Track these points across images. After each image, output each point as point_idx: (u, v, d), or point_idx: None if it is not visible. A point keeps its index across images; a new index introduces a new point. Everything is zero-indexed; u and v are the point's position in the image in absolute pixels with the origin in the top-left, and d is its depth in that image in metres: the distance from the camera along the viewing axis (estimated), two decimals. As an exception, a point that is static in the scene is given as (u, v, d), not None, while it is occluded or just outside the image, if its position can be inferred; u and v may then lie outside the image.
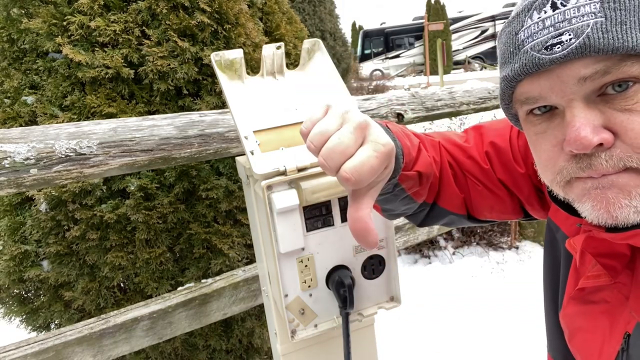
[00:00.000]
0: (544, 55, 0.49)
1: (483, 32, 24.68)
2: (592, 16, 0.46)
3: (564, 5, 0.48)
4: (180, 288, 1.43)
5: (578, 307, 0.63)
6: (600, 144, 0.48)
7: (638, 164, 0.48)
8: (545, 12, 0.49)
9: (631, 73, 0.46)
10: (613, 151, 0.48)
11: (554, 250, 0.74)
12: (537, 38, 0.50)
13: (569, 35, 0.47)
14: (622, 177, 0.49)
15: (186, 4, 1.49)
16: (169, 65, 1.46)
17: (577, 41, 0.46)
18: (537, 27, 0.50)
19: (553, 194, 0.60)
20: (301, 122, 0.92)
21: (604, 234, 0.52)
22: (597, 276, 0.58)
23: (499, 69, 0.59)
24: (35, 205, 1.45)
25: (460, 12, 26.78)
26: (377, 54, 26.27)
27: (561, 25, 0.48)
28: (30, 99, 1.45)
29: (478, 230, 3.50)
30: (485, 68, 22.46)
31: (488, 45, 24.38)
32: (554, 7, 0.48)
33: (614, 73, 0.47)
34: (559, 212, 0.71)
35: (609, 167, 0.49)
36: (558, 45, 0.48)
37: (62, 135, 1.00)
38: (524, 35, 0.51)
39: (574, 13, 0.47)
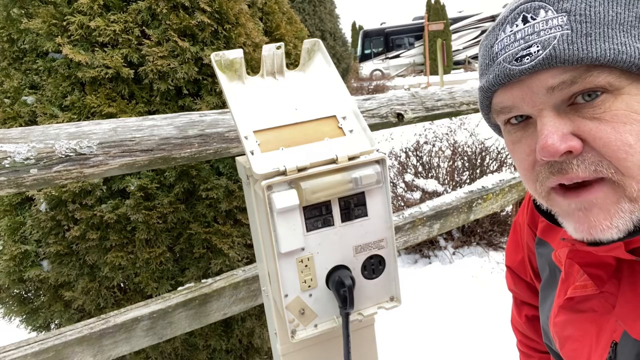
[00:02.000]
0: (514, 67, 0.51)
1: (483, 32, 24.66)
2: (559, 29, 0.48)
3: (534, 19, 0.50)
4: (180, 288, 1.43)
5: (567, 316, 0.64)
6: (570, 151, 0.50)
7: (608, 169, 0.49)
8: (517, 26, 0.52)
9: (597, 83, 0.48)
10: (584, 156, 0.50)
11: (544, 263, 0.77)
12: (509, 50, 0.52)
13: (537, 47, 0.49)
14: (598, 193, 0.50)
15: (186, 4, 1.49)
16: (169, 65, 1.46)
17: (544, 52, 0.48)
18: (509, 40, 0.52)
19: (540, 207, 0.62)
20: (301, 122, 0.92)
21: (587, 248, 0.54)
22: (584, 286, 0.59)
23: (479, 80, 0.62)
24: (35, 205, 1.45)
25: (460, 12, 26.78)
26: (377, 54, 26.27)
27: (530, 37, 0.50)
28: (30, 99, 1.45)
29: (478, 230, 3.51)
30: (485, 68, 22.42)
31: (488, 45, 24.33)
32: (525, 20, 0.51)
33: (580, 83, 0.48)
34: (547, 231, 0.75)
35: (580, 172, 0.50)
36: (527, 57, 0.50)
37: (62, 135, 1.00)
38: (497, 48, 0.54)
39: (542, 26, 0.49)
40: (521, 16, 0.52)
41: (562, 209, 0.55)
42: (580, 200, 0.52)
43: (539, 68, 0.49)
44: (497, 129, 0.67)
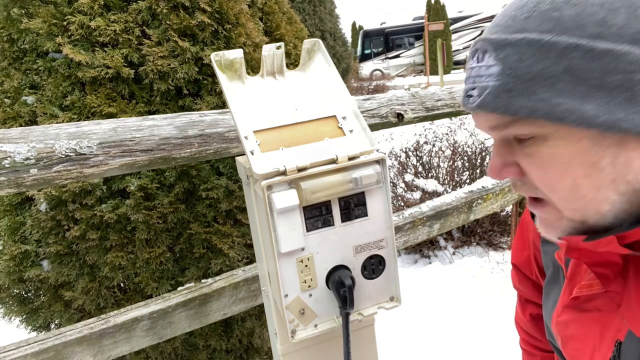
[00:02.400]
0: (466, 102, 0.56)
1: (483, 32, 24.63)
2: (492, 78, 0.51)
3: (480, 61, 0.53)
4: (180, 288, 1.43)
5: (571, 315, 0.64)
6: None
7: (545, 196, 0.55)
8: (472, 63, 0.55)
9: (520, 132, 0.52)
10: (524, 180, 0.57)
11: (549, 261, 0.78)
12: (465, 84, 0.57)
13: (477, 91, 0.53)
14: (544, 214, 0.57)
15: (186, 4, 1.49)
16: (169, 65, 1.46)
17: (479, 100, 0.53)
18: (467, 74, 0.57)
19: None
20: (301, 122, 0.92)
21: (582, 244, 0.55)
22: (591, 285, 0.59)
23: None
24: (35, 205, 1.45)
25: (460, 12, 26.77)
26: (377, 54, 26.26)
27: (475, 80, 0.54)
28: (30, 99, 1.45)
29: (478, 230, 3.51)
30: (485, 68, 22.42)
31: (488, 45, 24.31)
32: (477, 59, 0.54)
33: (508, 130, 0.53)
34: None
35: (524, 192, 0.58)
36: (471, 97, 0.54)
37: (62, 135, 1.00)
38: (465, 76, 0.59)
39: (483, 71, 0.52)
40: (476, 54, 0.55)
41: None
42: (536, 211, 0.59)
43: (477, 110, 0.54)
44: None
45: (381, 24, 27.80)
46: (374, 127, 1.62)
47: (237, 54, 0.95)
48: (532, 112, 0.49)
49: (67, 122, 1.40)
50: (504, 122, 0.53)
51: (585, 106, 0.46)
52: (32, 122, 1.45)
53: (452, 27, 25.12)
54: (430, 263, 3.29)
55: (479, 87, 0.53)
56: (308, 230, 0.86)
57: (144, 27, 1.47)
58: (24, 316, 1.60)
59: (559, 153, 0.51)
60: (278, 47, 0.96)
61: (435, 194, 3.44)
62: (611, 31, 0.45)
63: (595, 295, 0.60)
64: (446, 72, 19.40)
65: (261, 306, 1.66)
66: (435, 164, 3.83)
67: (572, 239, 0.56)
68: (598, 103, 0.46)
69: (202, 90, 1.57)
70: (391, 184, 3.75)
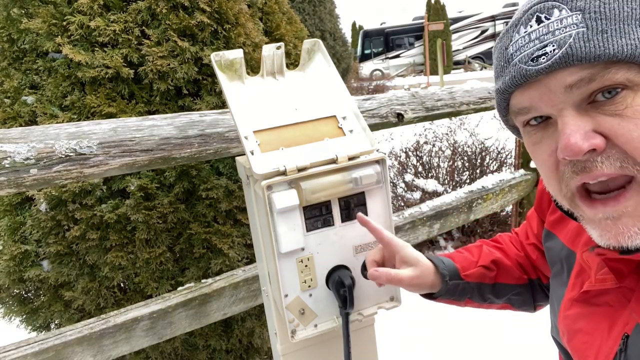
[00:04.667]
0: (530, 67, 0.51)
1: (483, 32, 24.66)
2: (574, 27, 0.48)
3: (548, 19, 0.50)
4: (180, 288, 1.43)
5: (581, 309, 0.64)
6: (593, 149, 0.50)
7: (634, 166, 0.49)
8: (531, 27, 0.52)
9: (616, 79, 0.48)
10: (608, 153, 0.50)
11: (553, 256, 0.78)
12: (524, 51, 0.52)
13: (553, 46, 0.49)
14: (631, 200, 0.50)
15: (186, 4, 1.49)
16: (169, 65, 1.46)
17: (560, 51, 0.48)
18: (524, 41, 0.52)
19: (557, 203, 0.62)
20: (301, 122, 0.92)
21: (618, 256, 0.54)
22: (604, 280, 0.59)
23: (494, 83, 0.62)
24: (35, 205, 1.45)
25: (460, 12, 26.75)
26: (377, 54, 26.25)
27: (545, 37, 0.50)
28: (30, 99, 1.45)
29: (478, 230, 3.50)
30: (485, 68, 22.44)
31: (488, 45, 24.34)
32: (539, 21, 0.51)
33: (599, 80, 0.48)
34: (557, 223, 0.75)
35: (605, 168, 0.50)
36: (543, 57, 0.50)
37: (62, 135, 1.00)
38: (512, 49, 0.54)
39: (557, 25, 0.49)
40: (535, 17, 0.52)
41: (587, 216, 0.55)
42: (607, 210, 0.52)
43: (556, 67, 0.49)
44: (515, 130, 0.67)
45: (381, 24, 27.80)
46: (374, 127, 1.62)
47: (237, 54, 0.95)
48: (634, 51, 0.46)
49: (67, 122, 1.40)
50: (593, 73, 0.48)
51: None
52: (32, 122, 1.45)
53: (452, 27, 25.10)
54: (430, 263, 3.29)
55: (555, 41, 0.49)
56: (308, 230, 0.86)
57: (144, 27, 1.47)
58: (24, 316, 1.60)
59: None
60: (278, 47, 0.96)
61: (435, 194, 3.44)
62: None
63: (606, 290, 0.59)
64: (446, 72, 19.40)
65: (261, 306, 1.66)
66: (435, 164, 3.82)
67: (609, 253, 0.54)
68: None
69: (202, 90, 1.57)
70: (391, 184, 3.75)
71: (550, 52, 0.49)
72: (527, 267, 0.93)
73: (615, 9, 0.47)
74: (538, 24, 0.51)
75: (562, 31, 0.49)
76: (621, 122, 0.48)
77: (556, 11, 0.50)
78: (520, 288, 0.92)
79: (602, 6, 0.47)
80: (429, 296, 0.88)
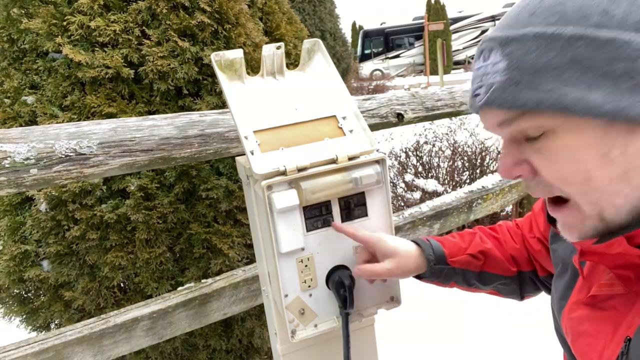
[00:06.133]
0: (473, 101, 0.57)
1: (483, 32, 24.63)
2: (499, 75, 0.52)
3: (485, 60, 0.54)
4: (180, 288, 1.43)
5: (586, 312, 0.64)
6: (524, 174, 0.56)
7: (561, 192, 0.54)
8: (478, 63, 0.56)
9: (528, 126, 0.52)
10: (538, 179, 0.55)
11: (557, 257, 0.78)
12: (472, 84, 0.57)
13: (484, 89, 0.54)
14: (567, 218, 0.56)
15: (186, 4, 1.49)
16: (169, 65, 1.46)
17: (486, 96, 0.53)
18: (474, 74, 0.57)
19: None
20: (301, 122, 0.92)
21: (593, 247, 0.56)
22: (611, 285, 0.59)
23: None
24: (35, 205, 1.45)
25: (460, 12, 26.75)
26: (377, 54, 26.25)
27: (481, 78, 0.54)
28: (30, 99, 1.45)
29: (478, 230, 3.50)
30: (485, 68, 22.39)
31: (488, 45, 24.28)
32: (483, 59, 0.55)
33: (515, 125, 0.53)
34: None
35: (539, 192, 0.57)
36: (478, 96, 0.55)
37: (62, 135, 1.00)
38: (472, 77, 0.59)
39: (490, 69, 0.53)
40: (482, 54, 0.55)
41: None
42: (557, 216, 0.58)
43: (484, 107, 0.54)
44: None
45: (381, 24, 27.80)
46: (374, 127, 1.62)
47: (237, 54, 0.95)
48: (539, 104, 0.49)
49: (67, 122, 1.40)
50: (511, 117, 0.53)
51: (591, 95, 0.46)
52: (32, 122, 1.45)
53: (452, 27, 25.11)
54: (430, 263, 3.29)
55: (486, 85, 0.53)
56: (308, 230, 0.86)
57: (144, 27, 1.47)
58: (24, 316, 1.60)
59: (569, 145, 0.50)
60: (278, 47, 0.96)
61: (435, 194, 3.44)
62: (614, 20, 0.45)
63: (613, 295, 0.60)
64: (446, 72, 19.39)
65: (261, 306, 1.66)
66: (435, 164, 3.83)
67: (584, 243, 0.56)
68: (603, 92, 0.46)
69: (202, 90, 1.57)
70: (391, 184, 3.75)
71: (481, 93, 0.54)
72: (521, 259, 0.94)
73: (532, 60, 0.49)
74: (483, 62, 0.55)
75: (491, 77, 0.53)
76: (540, 158, 0.53)
77: (492, 54, 0.53)
78: (507, 279, 0.94)
79: (523, 55, 0.50)
80: (416, 276, 0.92)
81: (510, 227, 1.00)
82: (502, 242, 0.96)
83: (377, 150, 0.90)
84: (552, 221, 0.66)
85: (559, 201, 0.57)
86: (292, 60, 1.84)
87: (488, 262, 0.92)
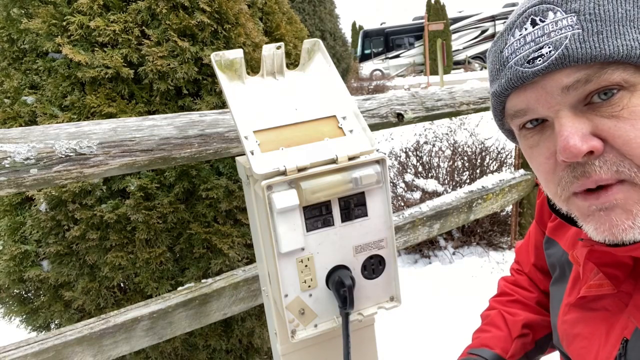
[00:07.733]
0: (526, 69, 0.51)
1: (483, 32, 24.65)
2: (569, 29, 0.48)
3: (543, 22, 0.51)
4: (180, 288, 1.43)
5: (578, 314, 0.64)
6: (592, 152, 0.49)
7: (630, 170, 0.49)
8: (526, 29, 0.52)
9: (612, 80, 0.48)
10: (606, 156, 0.50)
11: (554, 263, 0.78)
12: (520, 53, 0.52)
13: (549, 47, 0.49)
14: (620, 194, 0.50)
15: (186, 4, 1.49)
16: (169, 65, 1.46)
17: (557, 52, 0.49)
18: (519, 44, 0.53)
19: (555, 207, 0.62)
20: (301, 122, 0.92)
21: (606, 248, 0.54)
22: (600, 285, 0.59)
23: (489, 86, 0.62)
24: (35, 205, 1.45)
25: (460, 12, 26.74)
26: (377, 54, 26.25)
27: (541, 39, 0.50)
28: (30, 99, 1.45)
29: (478, 231, 3.50)
30: (485, 68, 22.44)
31: (488, 45, 24.27)
32: (534, 23, 0.51)
33: (595, 81, 0.48)
34: (556, 230, 0.75)
35: (602, 173, 0.50)
36: (539, 58, 0.50)
37: (62, 135, 1.00)
38: (507, 52, 0.54)
39: (552, 27, 0.50)
40: (530, 19, 0.52)
41: (582, 211, 0.54)
42: (600, 202, 0.51)
43: (552, 68, 0.49)
44: (510, 134, 0.67)
45: (381, 24, 27.80)
46: (374, 127, 1.62)
47: (237, 54, 0.95)
48: (630, 52, 0.46)
49: (67, 122, 1.40)
50: (590, 73, 0.48)
51: None
52: (32, 122, 1.45)
53: (452, 27, 25.10)
54: (430, 263, 3.29)
55: (551, 43, 0.49)
56: (308, 230, 0.86)
57: (144, 27, 1.47)
58: (24, 316, 1.60)
59: None
60: (278, 47, 0.96)
61: (435, 194, 3.44)
62: None
63: (603, 295, 0.59)
64: (446, 72, 19.40)
65: (261, 306, 1.66)
66: (435, 164, 3.82)
67: (596, 245, 0.54)
68: None
69: (201, 90, 1.57)
70: (391, 184, 3.75)
71: (547, 53, 0.49)
72: (545, 302, 0.91)
73: (609, 11, 0.47)
74: (533, 27, 0.51)
75: (558, 33, 0.49)
76: (618, 124, 0.48)
77: (551, 14, 0.50)
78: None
79: (596, 8, 0.47)
80: None
81: (514, 281, 0.97)
82: (522, 301, 0.93)
83: (377, 150, 0.90)
84: (559, 215, 0.65)
85: (603, 187, 0.51)
86: (292, 60, 1.84)
87: (535, 330, 0.88)
